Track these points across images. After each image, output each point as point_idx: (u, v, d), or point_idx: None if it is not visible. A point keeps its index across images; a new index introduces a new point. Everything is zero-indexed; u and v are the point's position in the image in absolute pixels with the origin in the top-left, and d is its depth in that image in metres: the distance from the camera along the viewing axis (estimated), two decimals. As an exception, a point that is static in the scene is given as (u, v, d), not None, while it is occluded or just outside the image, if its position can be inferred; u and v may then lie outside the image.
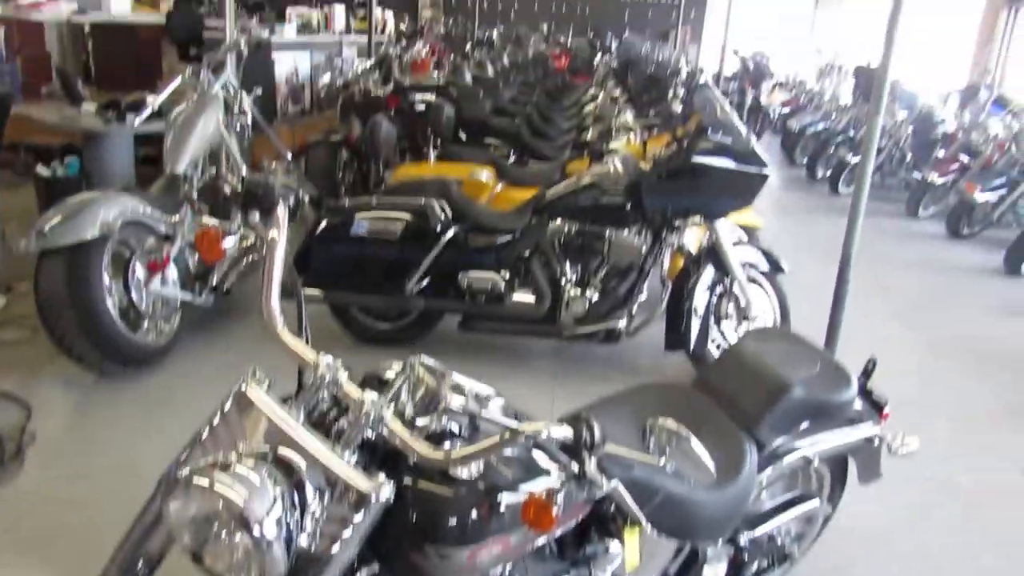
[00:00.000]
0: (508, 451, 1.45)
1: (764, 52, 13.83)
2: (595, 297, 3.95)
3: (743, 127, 3.94)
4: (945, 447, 3.58)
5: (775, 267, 4.14)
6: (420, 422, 1.43)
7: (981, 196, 7.18)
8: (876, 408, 2.28)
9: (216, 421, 1.37)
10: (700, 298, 3.93)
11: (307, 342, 1.43)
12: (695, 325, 3.90)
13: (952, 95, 9.48)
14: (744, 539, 2.06)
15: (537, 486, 1.43)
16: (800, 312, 4.09)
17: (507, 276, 3.97)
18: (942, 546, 2.89)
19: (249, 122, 4.86)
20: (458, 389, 1.45)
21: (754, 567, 2.22)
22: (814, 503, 2.24)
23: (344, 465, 1.30)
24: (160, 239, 3.84)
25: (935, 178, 7.86)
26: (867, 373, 2.29)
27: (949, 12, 13.15)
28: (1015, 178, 7.18)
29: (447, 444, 1.41)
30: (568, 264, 4.00)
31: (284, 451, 1.32)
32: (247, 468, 1.24)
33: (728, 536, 1.98)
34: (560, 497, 1.36)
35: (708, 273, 3.96)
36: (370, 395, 1.33)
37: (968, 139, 7.72)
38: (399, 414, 1.36)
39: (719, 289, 3.99)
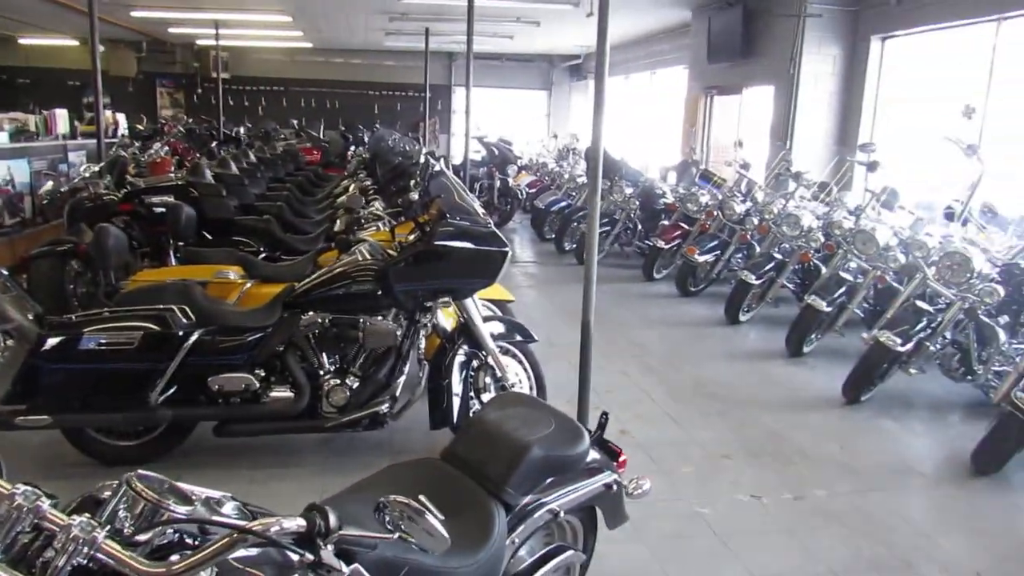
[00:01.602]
0: (242, 552, 1.42)
1: (508, 138, 14.87)
2: (356, 384, 3.95)
3: (480, 209, 4.20)
4: (691, 483, 3.95)
5: (526, 337, 4.40)
6: (141, 538, 1.35)
7: (701, 257, 8.14)
8: (612, 456, 2.49)
9: None
10: (457, 374, 4.07)
11: (0, 474, 1.32)
12: (456, 401, 4.02)
13: (670, 171, 10.74)
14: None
15: (278, 581, 1.41)
16: (558, 373, 4.37)
17: (262, 374, 3.86)
18: (695, 569, 3.17)
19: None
20: (183, 498, 1.40)
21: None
22: (570, 553, 2.37)
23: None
24: None
25: (662, 244, 8.81)
26: (601, 426, 2.50)
27: (664, 99, 15.10)
28: (725, 239, 8.24)
29: (175, 557, 1.35)
30: (325, 355, 3.98)
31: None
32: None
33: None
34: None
35: (463, 349, 4.12)
36: (78, 519, 1.25)
37: (685, 208, 8.77)
38: (115, 533, 1.28)
39: (475, 363, 4.16)
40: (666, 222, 9.19)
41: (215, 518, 1.38)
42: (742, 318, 7.27)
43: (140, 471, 1.41)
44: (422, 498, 1.43)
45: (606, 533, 2.60)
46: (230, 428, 3.84)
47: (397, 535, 1.38)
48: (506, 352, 4.30)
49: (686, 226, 8.75)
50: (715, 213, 8.31)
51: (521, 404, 2.39)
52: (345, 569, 1.37)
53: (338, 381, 3.93)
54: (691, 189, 9.07)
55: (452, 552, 1.83)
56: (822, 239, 6.79)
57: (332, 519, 1.36)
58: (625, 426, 4.51)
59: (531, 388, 4.35)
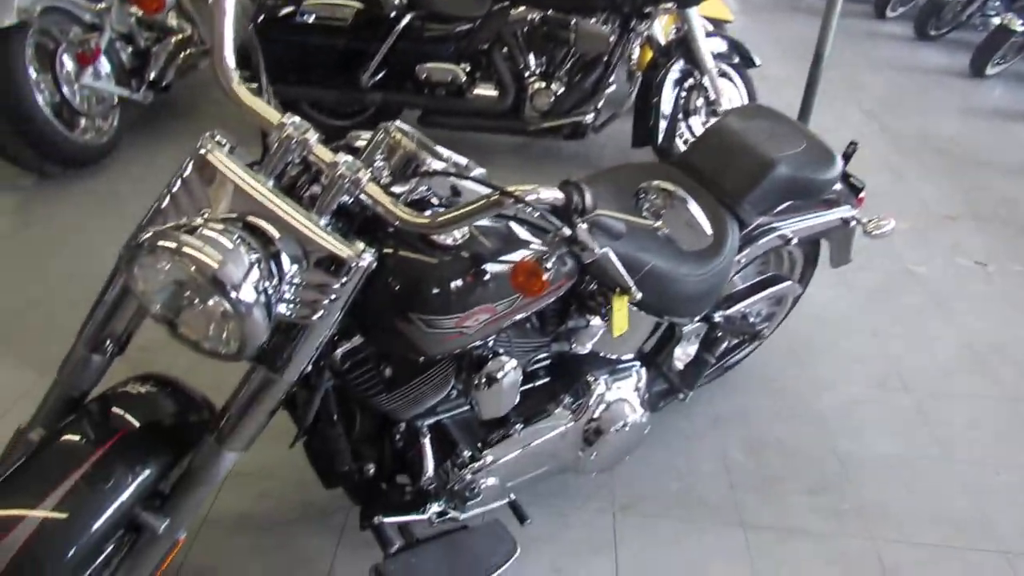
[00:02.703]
0: (489, 219, 1.39)
1: None
2: (561, 90, 3.78)
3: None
4: (908, 240, 3.65)
5: (746, 60, 3.99)
6: (398, 189, 1.33)
7: (952, -8, 6.94)
8: (854, 191, 2.25)
9: (176, 187, 1.25)
10: (669, 91, 3.79)
11: (268, 103, 1.29)
12: (663, 120, 3.78)
13: None
14: (718, 317, 2.08)
15: (525, 251, 1.38)
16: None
17: (467, 68, 3.75)
18: (894, 325, 3.01)
19: None
20: (436, 154, 1.35)
21: (724, 345, 2.26)
22: (788, 284, 2.26)
23: (322, 231, 1.21)
24: (86, 28, 3.50)
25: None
26: (847, 156, 2.24)
27: None
28: (987, -26, 6.92)
29: (428, 212, 1.33)
30: (532, 55, 3.78)
31: (254, 219, 1.22)
32: (216, 231, 1.14)
33: (703, 314, 1.99)
34: (550, 262, 1.31)
35: (678, 66, 3.79)
36: (344, 157, 1.22)
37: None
38: (375, 181, 1.26)
39: (689, 82, 3.85)
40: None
41: (474, 175, 1.32)
42: (990, 71, 6.28)
43: (397, 122, 1.36)
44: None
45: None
46: (434, 119, 3.84)
47: (658, 223, 1.28)
48: (722, 75, 3.93)
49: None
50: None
51: (768, 118, 2.15)
52: (598, 249, 1.30)
53: (543, 84, 3.76)
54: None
55: (687, 258, 1.75)
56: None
57: (588, 196, 1.27)
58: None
59: (743, 117, 4.02)
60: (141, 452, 1.29)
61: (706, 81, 3.79)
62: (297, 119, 1.24)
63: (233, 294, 1.09)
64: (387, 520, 1.59)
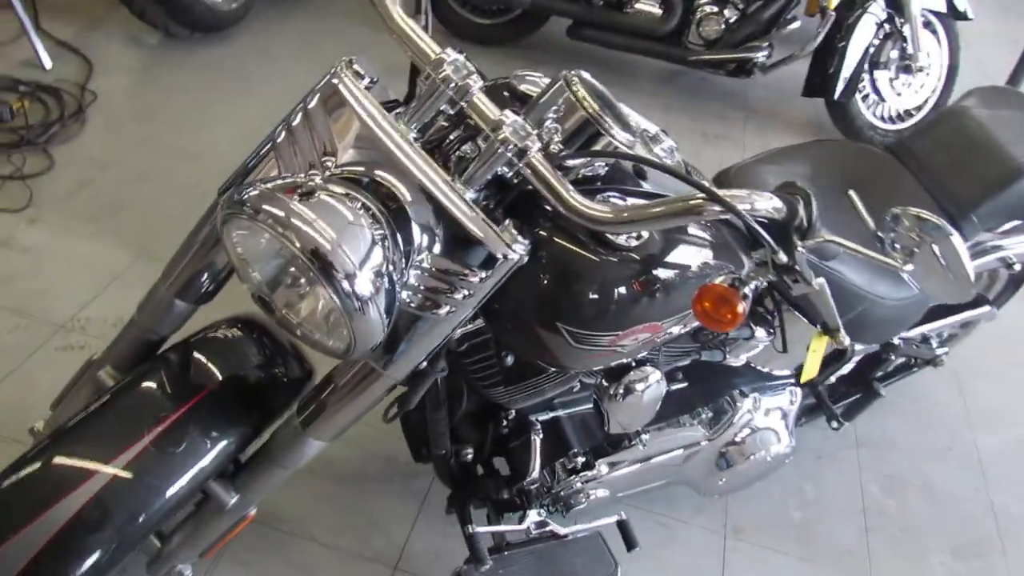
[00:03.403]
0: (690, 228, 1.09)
1: None
2: (734, 18, 3.30)
3: None
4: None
5: (956, 12, 3.39)
6: (570, 163, 1.03)
7: None
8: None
9: (296, 122, 1.00)
10: (862, 36, 3.25)
11: (426, 29, 1.00)
12: (847, 69, 3.26)
13: None
14: (897, 339, 1.74)
15: (710, 262, 1.08)
16: (969, 65, 3.42)
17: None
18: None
19: None
20: (620, 120, 1.02)
21: (892, 366, 1.93)
22: (986, 309, 1.87)
23: (469, 209, 0.94)
24: None
25: None
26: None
27: None
28: None
29: (598, 198, 1.03)
30: (707, -28, 3.31)
31: (384, 174, 0.95)
32: (336, 198, 0.88)
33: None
34: (749, 289, 1.00)
35: (879, 6, 3.24)
36: (511, 117, 0.93)
37: None
38: (545, 152, 0.96)
39: (886, 28, 3.30)
40: None
41: (672, 162, 1.01)
42: None
43: (581, 72, 1.04)
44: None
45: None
46: (585, 32, 3.44)
47: (908, 266, 0.95)
48: (926, 24, 3.36)
49: None
50: None
51: (1021, 107, 1.72)
52: (815, 283, 0.99)
53: (715, 9, 3.30)
54: None
55: (884, 276, 1.41)
56: None
57: (815, 212, 0.94)
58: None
59: (939, 78, 3.46)
60: (222, 417, 1.12)
61: (907, 30, 3.24)
62: (461, 57, 0.94)
63: (346, 285, 0.84)
64: (480, 530, 1.38)
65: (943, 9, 3.36)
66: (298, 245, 0.83)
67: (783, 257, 0.95)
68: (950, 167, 1.57)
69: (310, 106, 0.97)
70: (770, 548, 1.84)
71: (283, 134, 0.99)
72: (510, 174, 0.96)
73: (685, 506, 1.88)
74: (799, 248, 0.96)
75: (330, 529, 1.70)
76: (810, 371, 1.15)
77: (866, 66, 3.33)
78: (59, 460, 1.02)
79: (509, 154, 0.92)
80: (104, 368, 1.17)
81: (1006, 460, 2.16)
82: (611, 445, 1.50)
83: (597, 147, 1.00)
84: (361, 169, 0.96)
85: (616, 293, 1.02)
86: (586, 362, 1.12)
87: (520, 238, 0.96)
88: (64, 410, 1.24)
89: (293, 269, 0.91)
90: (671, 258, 1.06)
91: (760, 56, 3.29)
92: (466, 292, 0.97)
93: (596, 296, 1.01)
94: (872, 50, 3.32)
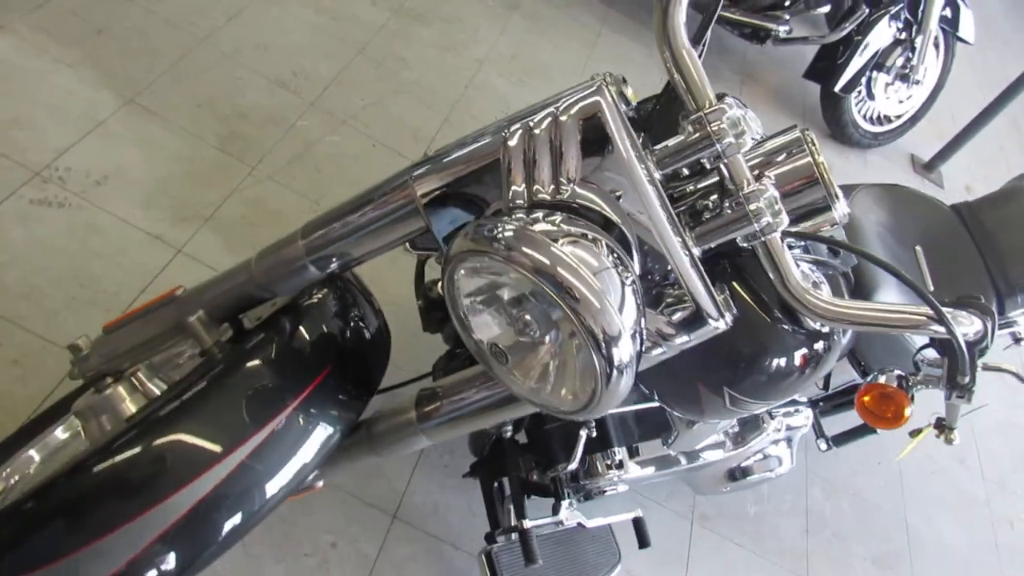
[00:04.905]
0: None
1: None
2: (767, -19, 3.21)
3: None
4: None
5: (955, 31, 3.46)
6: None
7: None
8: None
9: (540, 129, 0.85)
10: (879, 36, 3.25)
11: (701, 54, 0.89)
12: (856, 64, 3.28)
13: None
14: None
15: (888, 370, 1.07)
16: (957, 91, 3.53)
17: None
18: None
19: None
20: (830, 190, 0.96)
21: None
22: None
23: (694, 268, 0.87)
24: None
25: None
26: None
27: None
28: None
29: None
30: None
31: (619, 213, 0.86)
32: (596, 244, 0.79)
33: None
34: (915, 392, 1.01)
35: (902, 11, 3.24)
36: (768, 189, 0.85)
37: None
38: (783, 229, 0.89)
39: (901, 35, 3.32)
40: None
41: (905, 275, 0.94)
42: None
43: (808, 131, 0.96)
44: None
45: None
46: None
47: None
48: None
49: None
50: None
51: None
52: (972, 402, 1.01)
53: (750, -34, 3.18)
54: None
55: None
56: None
57: (991, 326, 0.95)
58: None
59: (927, 93, 3.56)
60: (337, 402, 1.02)
61: (919, 41, 3.28)
62: (738, 111, 0.84)
63: (612, 353, 0.76)
64: (529, 525, 1.37)
65: (948, 28, 3.42)
66: (574, 308, 0.74)
67: (967, 379, 0.96)
68: (1011, 248, 1.63)
69: (562, 118, 0.84)
70: (728, 539, 1.97)
71: (519, 134, 0.86)
72: (738, 240, 0.89)
73: (659, 488, 1.96)
74: (979, 369, 0.97)
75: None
76: (905, 453, 1.20)
77: (873, 65, 3.36)
78: (187, 439, 0.90)
79: (756, 227, 0.85)
80: (196, 313, 1.02)
81: (921, 483, 2.39)
82: (644, 445, 1.52)
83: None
84: (598, 201, 0.85)
85: (794, 369, 1.00)
86: (724, 416, 1.10)
87: (733, 308, 0.90)
88: (124, 339, 1.08)
89: (528, 317, 0.81)
90: (850, 344, 1.04)
91: (781, 29, 3.24)
92: (662, 350, 0.91)
93: (773, 369, 0.99)
94: (882, 50, 3.34)
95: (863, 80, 3.41)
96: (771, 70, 3.76)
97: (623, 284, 0.79)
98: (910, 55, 3.34)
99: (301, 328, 1.01)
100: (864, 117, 3.53)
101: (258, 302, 1.05)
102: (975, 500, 2.44)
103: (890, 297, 1.39)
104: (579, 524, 1.48)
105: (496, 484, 1.52)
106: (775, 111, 3.55)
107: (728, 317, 0.90)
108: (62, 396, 1.38)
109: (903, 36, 3.31)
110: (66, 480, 0.88)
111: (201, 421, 0.91)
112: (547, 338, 0.82)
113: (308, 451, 0.97)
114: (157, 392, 1.11)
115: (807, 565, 2.02)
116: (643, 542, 1.56)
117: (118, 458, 0.87)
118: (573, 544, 1.51)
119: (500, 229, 0.77)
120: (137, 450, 0.88)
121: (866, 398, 1.00)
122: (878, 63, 3.37)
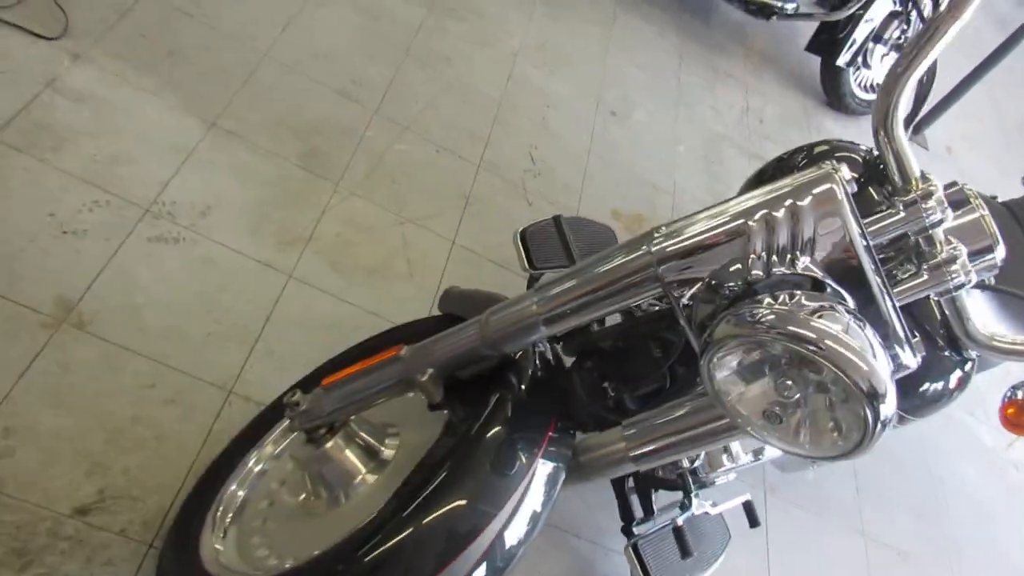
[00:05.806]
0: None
1: None
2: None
3: None
4: None
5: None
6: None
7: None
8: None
9: (779, 211, 0.96)
10: (880, 9, 3.41)
11: (908, 135, 1.02)
12: (859, 38, 3.43)
13: None
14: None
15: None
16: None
17: None
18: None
19: None
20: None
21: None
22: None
23: (899, 322, 1.00)
24: None
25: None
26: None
27: None
28: None
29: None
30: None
31: (838, 278, 0.99)
32: (836, 311, 0.91)
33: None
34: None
35: (900, -13, 3.40)
36: (963, 254, 1.00)
37: None
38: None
39: (898, 8, 3.48)
40: None
41: None
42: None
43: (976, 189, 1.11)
44: None
45: None
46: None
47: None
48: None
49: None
50: None
51: None
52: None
53: (760, -56, 3.28)
54: None
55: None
56: None
57: None
58: None
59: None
60: (565, 445, 1.15)
61: (914, 15, 3.45)
62: (942, 192, 0.97)
63: (882, 409, 0.89)
64: (681, 521, 1.53)
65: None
66: (841, 372, 0.86)
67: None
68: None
69: (800, 202, 0.96)
70: (795, 504, 2.18)
71: (762, 214, 0.96)
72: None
73: (734, 464, 2.16)
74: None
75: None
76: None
77: (871, 40, 3.53)
78: (459, 505, 1.01)
79: (950, 286, 1.00)
80: (427, 372, 1.12)
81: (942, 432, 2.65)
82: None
83: None
84: (819, 273, 0.99)
85: (953, 389, 1.17)
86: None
87: (924, 350, 1.05)
88: (343, 394, 1.18)
89: (790, 382, 0.94)
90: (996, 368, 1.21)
91: (789, 6, 3.37)
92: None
93: (940, 391, 1.16)
94: (880, 25, 3.51)
95: (857, 63, 3.58)
96: (770, 42, 3.90)
97: (871, 344, 0.93)
98: (905, 27, 3.51)
99: (527, 382, 1.13)
100: (860, 86, 3.71)
101: (481, 359, 1.16)
102: (984, 448, 2.71)
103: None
104: (705, 513, 1.66)
105: (625, 481, 1.68)
106: (781, 86, 3.70)
107: (919, 357, 1.05)
108: (246, 426, 1.48)
109: (900, 8, 3.48)
110: (371, 546, 0.99)
111: (473, 485, 1.03)
112: (803, 397, 0.96)
113: (550, 494, 1.10)
114: (374, 442, 1.23)
115: (861, 520, 2.25)
116: (753, 522, 1.75)
117: (408, 529, 0.99)
118: (696, 529, 1.69)
119: (761, 313, 0.90)
120: (428, 517, 0.99)
121: (1010, 411, 1.18)
122: (876, 35, 3.53)
